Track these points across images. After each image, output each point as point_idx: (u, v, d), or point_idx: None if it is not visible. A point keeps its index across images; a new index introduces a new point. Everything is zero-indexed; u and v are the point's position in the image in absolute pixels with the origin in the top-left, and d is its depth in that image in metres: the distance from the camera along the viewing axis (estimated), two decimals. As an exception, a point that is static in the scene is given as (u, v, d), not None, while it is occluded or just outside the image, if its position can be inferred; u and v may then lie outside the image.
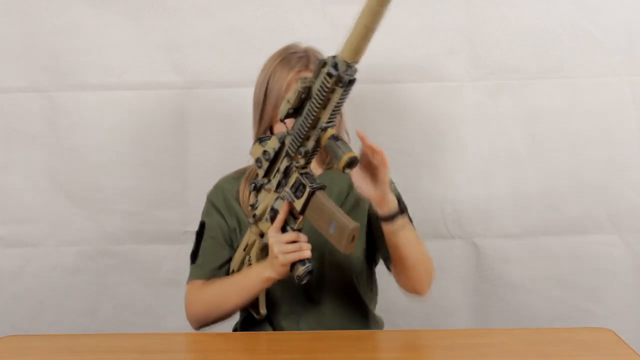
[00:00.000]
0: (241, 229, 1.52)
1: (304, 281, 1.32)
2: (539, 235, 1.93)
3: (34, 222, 1.96)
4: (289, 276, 1.35)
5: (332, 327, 1.49)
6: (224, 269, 1.52)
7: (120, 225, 1.96)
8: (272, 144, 1.32)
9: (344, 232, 1.22)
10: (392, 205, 1.35)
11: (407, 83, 1.91)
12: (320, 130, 1.23)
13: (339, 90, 1.17)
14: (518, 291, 1.96)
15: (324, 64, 1.18)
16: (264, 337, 1.43)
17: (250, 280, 1.41)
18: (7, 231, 1.96)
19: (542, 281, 1.95)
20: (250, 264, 1.46)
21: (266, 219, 1.37)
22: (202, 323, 1.50)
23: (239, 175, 1.58)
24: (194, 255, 1.54)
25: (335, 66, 1.16)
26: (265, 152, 1.33)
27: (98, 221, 1.96)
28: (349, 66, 1.16)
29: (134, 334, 1.67)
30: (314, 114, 1.21)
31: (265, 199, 1.37)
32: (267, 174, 1.35)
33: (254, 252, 1.45)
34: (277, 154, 1.32)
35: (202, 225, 1.55)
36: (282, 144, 1.30)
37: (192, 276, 1.52)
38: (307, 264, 1.32)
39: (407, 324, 1.93)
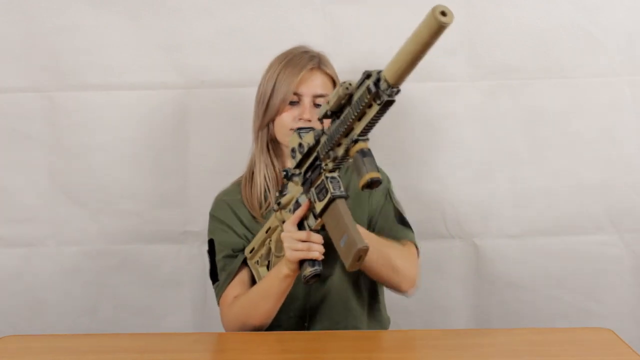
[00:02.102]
0: (252, 234, 1.54)
1: (310, 282, 1.34)
2: (539, 235, 1.93)
3: (34, 222, 1.96)
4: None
5: (330, 317, 1.51)
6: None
7: (120, 225, 1.96)
8: (308, 139, 1.31)
9: (352, 250, 1.22)
10: None
11: (407, 83, 1.89)
12: (351, 141, 1.21)
13: (375, 107, 1.15)
14: (518, 291, 1.96)
15: (368, 75, 1.15)
16: (264, 337, 1.43)
17: (270, 282, 1.42)
18: (7, 231, 1.96)
19: (542, 281, 1.95)
20: (269, 247, 1.47)
21: (289, 210, 1.39)
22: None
23: (235, 185, 1.61)
24: (213, 274, 1.56)
25: (377, 82, 1.13)
26: (300, 144, 1.33)
27: (98, 221, 1.96)
28: (390, 87, 1.13)
29: (134, 334, 1.67)
30: (349, 123, 1.20)
31: (292, 190, 1.38)
32: (299, 166, 1.35)
33: (274, 237, 1.45)
34: (311, 149, 1.31)
35: (211, 243, 1.57)
36: (317, 142, 1.30)
37: (219, 293, 1.53)
38: (316, 267, 1.33)
39: (407, 324, 1.93)
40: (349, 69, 1.89)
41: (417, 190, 1.92)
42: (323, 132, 1.28)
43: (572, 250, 1.94)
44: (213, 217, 1.59)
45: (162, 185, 1.95)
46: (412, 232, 1.56)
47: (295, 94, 1.50)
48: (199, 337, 1.53)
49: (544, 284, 1.95)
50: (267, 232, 1.47)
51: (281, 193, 1.42)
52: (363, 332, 1.49)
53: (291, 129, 1.49)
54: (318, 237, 1.33)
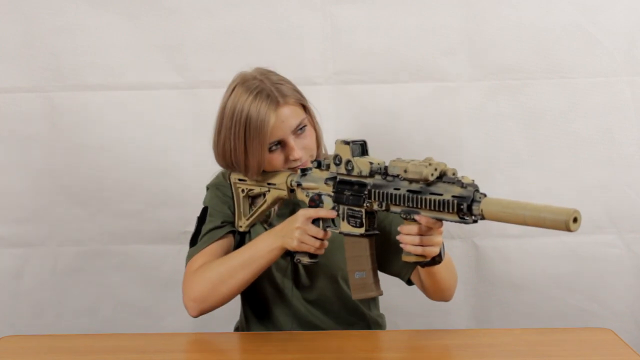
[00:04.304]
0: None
1: (301, 264, 1.39)
2: (539, 235, 1.93)
3: (34, 222, 1.96)
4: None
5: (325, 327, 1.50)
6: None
7: (120, 225, 1.96)
8: (363, 166, 1.27)
9: (367, 291, 1.30)
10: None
11: (407, 83, 1.91)
12: (411, 217, 1.20)
13: (455, 216, 1.15)
14: (518, 291, 1.96)
15: (462, 185, 1.13)
16: (264, 337, 1.43)
17: (258, 251, 1.39)
18: (7, 231, 1.97)
19: (542, 281, 1.95)
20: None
21: (307, 194, 1.37)
22: (203, 306, 1.42)
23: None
24: (194, 239, 1.50)
25: (469, 208, 1.13)
26: (349, 161, 1.29)
27: (98, 221, 1.96)
28: (481, 217, 1.13)
29: (134, 334, 1.67)
30: (418, 207, 1.18)
31: (316, 178, 1.35)
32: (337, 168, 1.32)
33: (272, 195, 1.43)
34: (360, 175, 1.28)
35: (204, 211, 1.52)
36: (371, 175, 1.26)
37: (189, 257, 1.47)
38: (315, 260, 1.36)
39: (407, 324, 1.93)
40: (349, 69, 1.90)
41: (417, 190, 1.92)
42: (385, 172, 1.24)
43: (572, 250, 1.94)
44: (213, 186, 1.55)
45: (162, 185, 1.95)
46: None
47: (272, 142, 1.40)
48: (199, 337, 1.53)
49: (544, 284, 1.95)
50: (268, 183, 1.44)
51: (303, 173, 1.38)
52: (363, 332, 1.48)
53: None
54: (329, 236, 1.35)
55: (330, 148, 1.43)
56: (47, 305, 1.99)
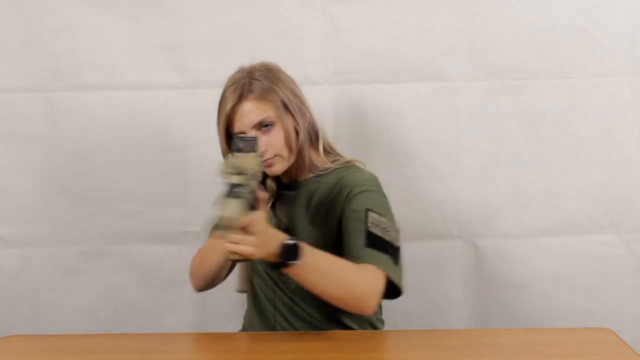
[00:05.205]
0: None
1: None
2: (539, 235, 1.93)
3: (34, 222, 1.96)
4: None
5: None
6: None
7: (120, 225, 1.96)
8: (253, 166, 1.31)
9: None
10: (273, 255, 1.27)
11: (407, 83, 1.91)
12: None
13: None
14: (518, 291, 1.96)
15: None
16: (264, 337, 1.43)
17: (209, 248, 1.50)
18: (7, 231, 1.97)
19: (542, 281, 1.95)
20: None
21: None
22: (195, 283, 1.54)
23: None
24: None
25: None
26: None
27: (98, 221, 1.96)
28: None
29: (134, 334, 1.67)
30: None
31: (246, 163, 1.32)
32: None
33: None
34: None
35: None
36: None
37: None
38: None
39: (407, 324, 1.93)
40: (349, 69, 1.90)
41: (418, 190, 1.92)
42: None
43: (572, 250, 1.94)
44: None
45: (162, 185, 1.95)
46: (388, 256, 1.37)
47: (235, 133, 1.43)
48: (199, 337, 1.53)
49: (543, 284, 1.95)
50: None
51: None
52: (363, 332, 1.48)
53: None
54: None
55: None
56: (47, 305, 1.99)
